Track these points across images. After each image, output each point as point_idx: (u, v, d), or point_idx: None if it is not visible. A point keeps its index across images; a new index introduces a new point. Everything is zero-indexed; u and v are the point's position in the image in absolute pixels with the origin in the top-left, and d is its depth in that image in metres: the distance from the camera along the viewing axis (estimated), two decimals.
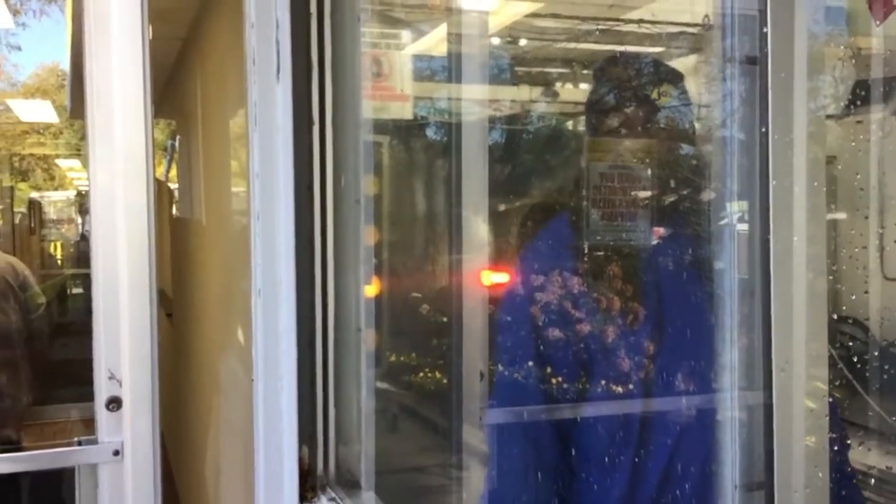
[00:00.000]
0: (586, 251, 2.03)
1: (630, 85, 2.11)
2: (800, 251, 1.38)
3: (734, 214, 1.82)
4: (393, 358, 3.04)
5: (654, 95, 2.09)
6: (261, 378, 2.06)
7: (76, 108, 7.09)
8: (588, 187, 2.02)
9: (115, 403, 2.03)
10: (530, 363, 1.96)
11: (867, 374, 2.11)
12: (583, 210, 2.02)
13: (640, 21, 6.16)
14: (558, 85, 6.19)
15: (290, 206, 1.96)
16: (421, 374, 3.10)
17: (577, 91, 6.45)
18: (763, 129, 1.45)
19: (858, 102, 1.96)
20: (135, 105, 1.98)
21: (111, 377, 2.04)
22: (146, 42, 1.96)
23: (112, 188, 2.00)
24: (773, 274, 1.39)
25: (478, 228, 2.18)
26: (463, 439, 2.24)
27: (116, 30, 1.96)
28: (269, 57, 1.99)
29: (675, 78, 2.18)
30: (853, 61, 1.89)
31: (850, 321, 2.40)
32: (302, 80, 1.94)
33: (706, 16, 5.82)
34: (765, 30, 1.46)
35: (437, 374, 2.85)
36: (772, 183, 1.39)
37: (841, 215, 1.84)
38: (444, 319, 2.32)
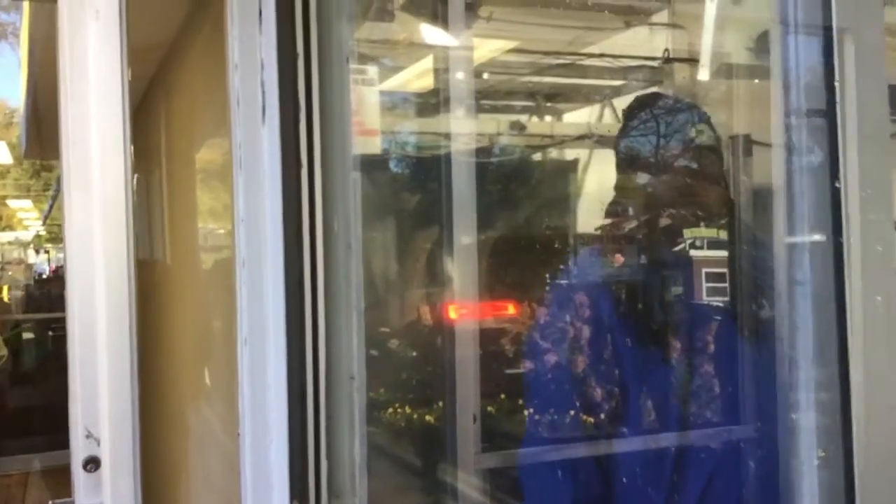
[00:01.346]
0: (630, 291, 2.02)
1: (667, 123, 2.11)
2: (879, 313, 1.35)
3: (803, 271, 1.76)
4: (386, 405, 2.98)
5: (693, 134, 2.10)
6: (248, 431, 1.97)
7: (31, 148, 6.92)
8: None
9: (93, 464, 1.92)
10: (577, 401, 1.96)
11: None
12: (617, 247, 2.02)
13: (602, 55, 6.22)
14: (524, 118, 6.22)
15: (278, 252, 1.90)
16: (414, 420, 3.04)
17: (542, 124, 6.48)
18: (836, 185, 1.41)
19: None
20: (114, 151, 1.90)
21: (88, 435, 1.93)
22: (125, 86, 1.89)
23: (89, 237, 1.91)
24: (850, 339, 1.35)
25: (470, 275, 2.14)
26: (458, 486, 2.18)
27: (94, 73, 1.88)
28: (254, 98, 1.93)
29: (708, 118, 2.20)
30: None
31: None
32: (289, 121, 1.89)
33: (666, 49, 5.84)
34: (835, 82, 1.43)
35: (431, 419, 2.80)
36: (847, 239, 1.36)
37: None
38: (437, 364, 2.27)
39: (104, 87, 1.91)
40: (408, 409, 3.02)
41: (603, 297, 2.07)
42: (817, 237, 1.66)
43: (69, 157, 1.93)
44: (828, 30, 1.57)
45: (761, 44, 2.17)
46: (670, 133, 2.11)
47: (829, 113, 1.56)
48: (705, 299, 2.24)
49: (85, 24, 1.93)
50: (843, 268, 1.43)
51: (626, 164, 2.17)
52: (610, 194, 2.18)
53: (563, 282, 2.25)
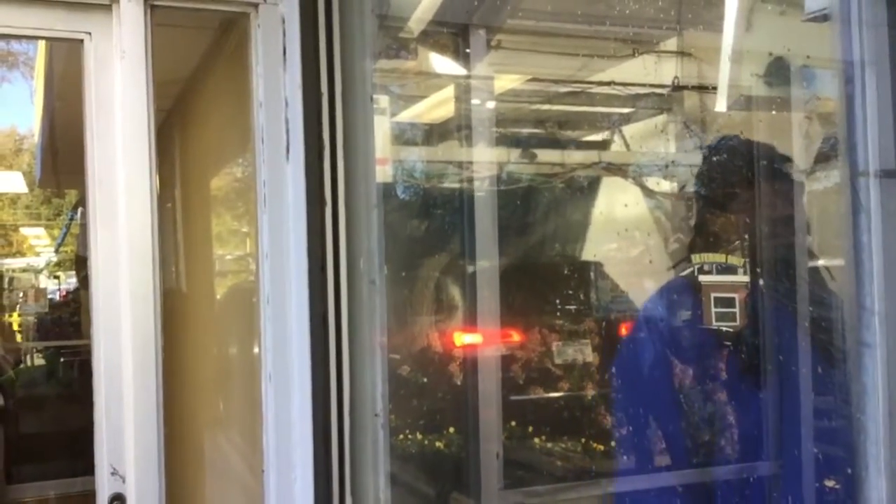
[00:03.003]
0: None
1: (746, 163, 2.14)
2: None
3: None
4: (405, 439, 2.96)
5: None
6: (272, 469, 1.97)
7: (46, 178, 6.96)
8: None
9: (118, 501, 1.91)
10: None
11: None
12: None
13: (612, 83, 6.25)
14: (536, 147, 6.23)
15: (303, 289, 1.90)
16: (438, 457, 3.01)
17: (553, 153, 6.49)
18: None
19: None
20: (140, 187, 1.91)
21: (114, 472, 1.93)
22: (151, 125, 1.90)
23: (115, 274, 1.92)
24: None
25: (493, 316, 2.13)
26: None
27: (120, 111, 1.90)
28: (278, 136, 1.94)
29: (788, 161, 2.23)
30: None
31: None
32: (313, 158, 1.90)
33: (675, 77, 5.84)
34: None
35: (455, 456, 2.77)
36: None
37: None
38: (460, 400, 2.26)
39: (130, 124, 1.92)
40: (438, 444, 3.00)
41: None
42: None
43: (95, 195, 1.94)
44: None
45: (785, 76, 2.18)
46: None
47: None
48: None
49: (111, 63, 1.94)
50: None
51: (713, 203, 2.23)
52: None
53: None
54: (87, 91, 1.95)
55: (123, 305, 1.90)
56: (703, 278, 2.30)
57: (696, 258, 2.24)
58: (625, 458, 2.13)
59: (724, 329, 2.21)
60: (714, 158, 2.26)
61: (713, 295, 2.31)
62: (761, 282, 2.18)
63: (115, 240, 1.92)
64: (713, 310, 2.29)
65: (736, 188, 2.15)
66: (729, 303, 2.32)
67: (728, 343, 2.17)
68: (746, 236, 2.20)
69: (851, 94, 1.76)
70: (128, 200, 1.92)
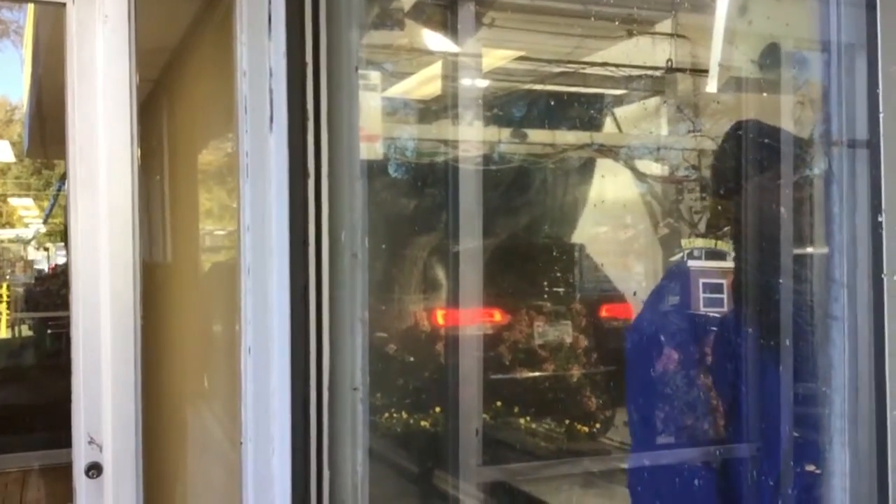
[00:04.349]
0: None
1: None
2: None
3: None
4: (388, 416, 2.96)
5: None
6: (251, 439, 1.96)
7: (34, 147, 6.90)
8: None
9: (95, 470, 1.91)
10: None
11: None
12: None
13: (605, 64, 6.21)
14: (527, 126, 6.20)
15: (284, 261, 1.88)
16: (417, 433, 3.02)
17: (543, 133, 6.45)
18: (879, 219, 1.38)
19: None
20: (120, 155, 1.89)
21: (91, 441, 1.92)
22: (133, 91, 1.88)
23: (94, 241, 1.90)
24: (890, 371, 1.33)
25: (476, 291, 2.13)
26: (461, 498, 2.17)
27: (102, 77, 1.87)
28: (262, 106, 1.92)
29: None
30: None
31: None
32: (297, 129, 1.88)
33: (669, 59, 5.82)
34: (880, 114, 1.40)
35: (434, 432, 2.78)
36: (887, 277, 1.33)
37: None
38: (441, 377, 2.26)
39: (112, 91, 1.90)
40: (412, 422, 3.00)
41: None
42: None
43: (75, 161, 1.92)
44: (872, 54, 1.53)
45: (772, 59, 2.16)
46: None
47: (872, 143, 1.53)
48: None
49: (93, 27, 1.92)
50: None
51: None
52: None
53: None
54: (69, 56, 1.92)
55: (103, 273, 1.89)
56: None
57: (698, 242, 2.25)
58: (645, 437, 2.18)
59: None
60: (730, 142, 2.24)
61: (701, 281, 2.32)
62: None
63: (96, 207, 1.90)
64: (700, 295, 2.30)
65: (765, 171, 2.14)
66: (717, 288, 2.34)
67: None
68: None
69: (828, 65, 1.76)
70: (108, 168, 1.90)
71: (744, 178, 2.18)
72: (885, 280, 1.34)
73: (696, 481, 2.25)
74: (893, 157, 1.39)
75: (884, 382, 1.36)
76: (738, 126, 2.33)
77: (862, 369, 1.66)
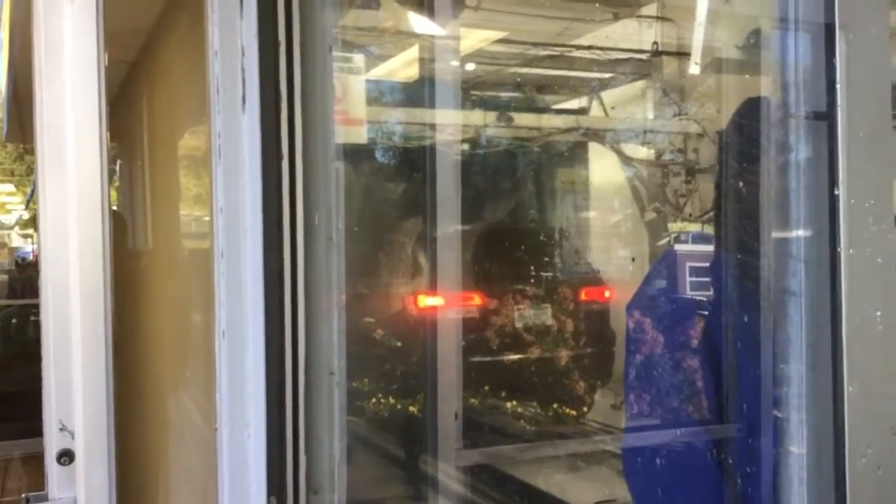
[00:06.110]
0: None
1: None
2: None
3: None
4: (366, 401, 2.94)
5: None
6: (225, 425, 1.93)
7: (13, 131, 6.81)
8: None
9: (66, 457, 1.88)
10: None
11: None
12: None
13: (591, 47, 6.18)
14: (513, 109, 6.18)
15: (258, 244, 1.85)
16: (396, 417, 3.00)
17: (529, 116, 6.42)
18: (836, 192, 1.37)
19: None
20: (89, 136, 1.86)
21: (62, 428, 1.89)
22: (102, 71, 1.84)
23: (64, 224, 1.87)
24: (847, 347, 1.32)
25: (455, 275, 2.11)
26: (440, 481, 2.15)
27: (70, 57, 1.84)
28: (234, 86, 1.88)
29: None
30: None
31: None
32: (270, 110, 1.84)
33: (655, 42, 5.84)
34: (837, 85, 1.38)
35: (413, 416, 2.76)
36: (843, 251, 1.32)
37: None
38: (420, 361, 2.24)
39: (80, 71, 1.86)
40: (390, 406, 2.99)
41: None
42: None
43: (44, 143, 1.88)
44: (829, 28, 1.52)
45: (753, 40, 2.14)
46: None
47: (829, 115, 1.51)
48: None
49: (61, 7, 1.88)
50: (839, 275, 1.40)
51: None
52: None
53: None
54: (36, 35, 1.89)
55: (72, 257, 1.85)
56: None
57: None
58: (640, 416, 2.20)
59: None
60: (742, 121, 2.22)
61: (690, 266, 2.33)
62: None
63: (64, 190, 1.87)
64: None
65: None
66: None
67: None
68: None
69: (785, 38, 1.74)
70: (77, 149, 1.86)
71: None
72: (840, 254, 1.33)
73: (691, 459, 2.29)
74: (850, 130, 1.37)
75: (840, 358, 1.35)
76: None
77: (821, 346, 1.65)
